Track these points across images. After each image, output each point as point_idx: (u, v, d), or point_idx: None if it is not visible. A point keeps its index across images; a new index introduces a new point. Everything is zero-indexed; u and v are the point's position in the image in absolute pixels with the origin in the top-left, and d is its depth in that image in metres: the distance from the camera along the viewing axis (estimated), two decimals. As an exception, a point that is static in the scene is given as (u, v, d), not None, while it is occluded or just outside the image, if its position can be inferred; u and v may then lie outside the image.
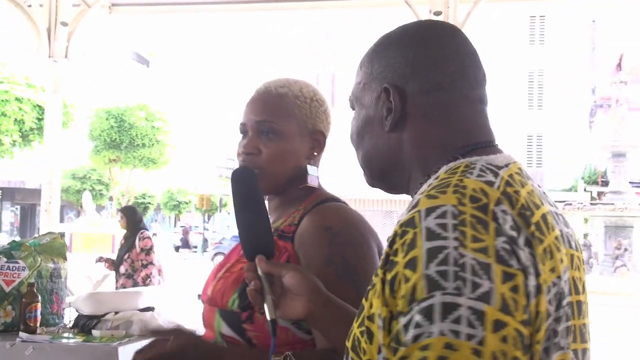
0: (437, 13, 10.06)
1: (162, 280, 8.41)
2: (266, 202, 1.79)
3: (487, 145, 1.20)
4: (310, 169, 1.78)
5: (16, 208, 38.74)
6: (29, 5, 11.09)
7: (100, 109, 22.49)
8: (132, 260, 8.16)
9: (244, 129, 1.78)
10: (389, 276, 0.99)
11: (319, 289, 1.42)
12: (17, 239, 5.51)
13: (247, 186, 1.51)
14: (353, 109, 1.33)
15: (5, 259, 3.15)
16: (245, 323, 1.60)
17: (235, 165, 1.74)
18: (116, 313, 3.11)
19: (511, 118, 36.26)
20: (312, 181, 1.77)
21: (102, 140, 21.52)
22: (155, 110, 22.15)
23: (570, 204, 34.54)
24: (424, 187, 1.13)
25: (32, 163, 21.41)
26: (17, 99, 19.11)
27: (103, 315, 3.10)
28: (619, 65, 33.44)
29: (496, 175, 1.08)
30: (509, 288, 0.94)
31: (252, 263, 1.42)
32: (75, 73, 14.86)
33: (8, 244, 3.34)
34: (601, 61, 36.72)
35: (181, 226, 38.98)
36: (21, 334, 2.94)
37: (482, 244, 0.95)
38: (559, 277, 1.03)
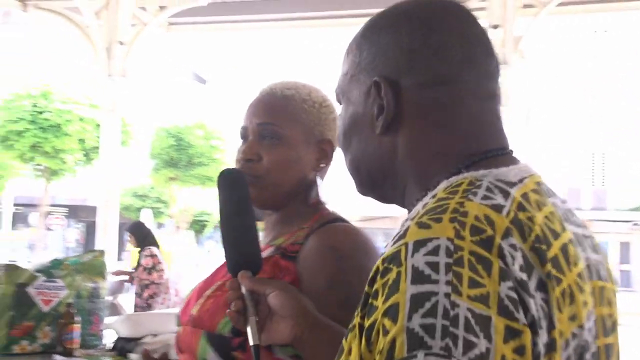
0: (495, 26, 9.85)
1: (177, 299, 8.00)
2: (263, 218, 1.63)
3: (499, 154, 0.98)
4: (321, 182, 1.60)
5: (81, 225, 39.44)
6: (87, 26, 11.31)
7: (161, 128, 22.73)
8: (139, 279, 7.92)
9: (244, 133, 1.59)
10: (366, 323, 0.81)
11: (307, 311, 1.26)
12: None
13: (235, 190, 1.37)
14: (340, 104, 1.13)
15: (44, 278, 3.05)
16: (237, 350, 1.40)
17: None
18: (155, 335, 2.99)
19: (573, 135, 35.52)
20: (322, 196, 1.60)
21: (161, 158, 21.78)
22: (213, 129, 22.38)
23: (637, 224, 33.76)
24: (418, 206, 0.93)
25: (94, 181, 21.83)
26: (80, 119, 19.40)
27: (141, 338, 2.99)
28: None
29: (507, 195, 0.88)
30: (512, 349, 0.74)
31: (236, 279, 1.27)
32: (134, 91, 15.06)
33: (49, 262, 3.25)
34: (667, 76, 35.76)
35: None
36: (56, 356, 2.84)
37: (481, 290, 0.76)
38: (580, 327, 0.85)
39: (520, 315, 0.76)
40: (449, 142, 0.98)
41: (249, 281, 1.25)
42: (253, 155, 1.54)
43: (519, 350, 0.75)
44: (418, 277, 0.77)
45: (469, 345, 0.72)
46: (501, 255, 0.79)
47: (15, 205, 33.07)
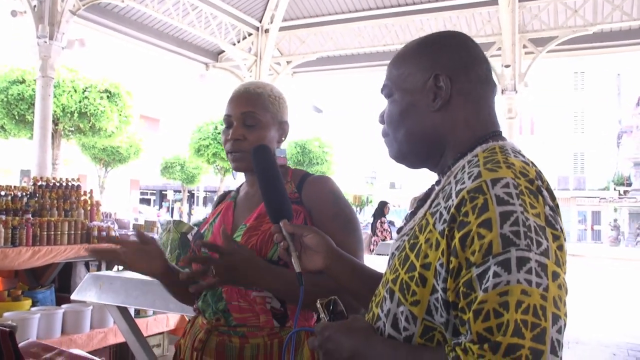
0: (507, 66, 9.27)
1: None
2: (246, 178, 1.50)
3: (500, 132, 0.95)
4: (279, 151, 1.45)
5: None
6: (244, 77, 11.41)
7: (291, 141, 22.82)
8: None
9: (229, 120, 1.42)
10: (458, 234, 0.77)
11: (333, 247, 1.15)
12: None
13: (268, 160, 1.21)
14: (388, 97, 0.99)
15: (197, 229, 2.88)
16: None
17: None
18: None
19: (562, 141, 33.98)
20: (281, 160, 1.44)
21: (291, 160, 21.84)
22: (325, 141, 22.29)
23: (604, 198, 32.50)
24: (462, 162, 0.89)
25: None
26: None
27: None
28: (638, 103, 31.53)
29: (524, 157, 0.87)
30: (557, 246, 0.76)
31: (278, 225, 1.14)
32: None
33: (203, 218, 3.08)
34: (625, 100, 34.32)
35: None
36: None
37: (536, 211, 0.76)
38: (565, 239, 0.82)
39: (558, 226, 0.78)
40: (481, 122, 0.94)
41: (290, 226, 1.13)
42: (240, 136, 1.40)
43: (560, 248, 0.77)
44: (501, 201, 0.75)
45: (539, 244, 0.73)
46: (539, 190, 0.79)
47: (205, 191, 34.09)
